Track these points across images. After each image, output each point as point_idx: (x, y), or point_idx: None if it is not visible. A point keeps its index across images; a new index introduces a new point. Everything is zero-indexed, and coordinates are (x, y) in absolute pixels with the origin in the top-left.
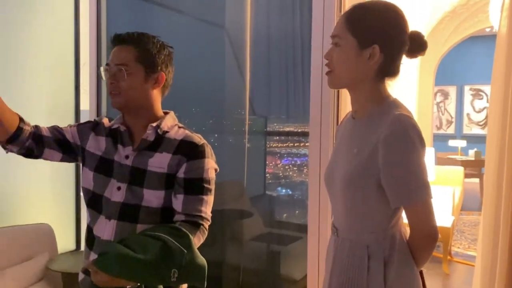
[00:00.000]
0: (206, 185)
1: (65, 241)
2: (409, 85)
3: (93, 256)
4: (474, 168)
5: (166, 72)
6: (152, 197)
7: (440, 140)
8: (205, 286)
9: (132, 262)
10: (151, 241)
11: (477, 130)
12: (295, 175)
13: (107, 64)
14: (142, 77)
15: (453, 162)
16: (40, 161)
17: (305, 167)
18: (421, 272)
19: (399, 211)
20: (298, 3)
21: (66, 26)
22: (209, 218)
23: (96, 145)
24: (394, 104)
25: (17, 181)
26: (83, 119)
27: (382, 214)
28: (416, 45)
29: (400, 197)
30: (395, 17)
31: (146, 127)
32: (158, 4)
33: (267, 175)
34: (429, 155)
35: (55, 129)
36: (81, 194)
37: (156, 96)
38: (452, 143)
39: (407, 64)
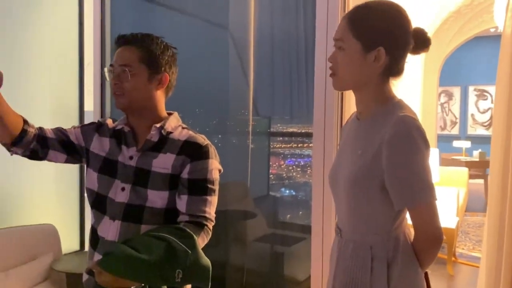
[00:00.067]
0: (210, 186)
1: (69, 242)
2: (413, 86)
3: (97, 256)
4: (478, 169)
5: (169, 73)
6: (156, 198)
7: (444, 141)
8: (209, 286)
9: (136, 263)
10: (155, 242)
11: (481, 131)
12: (298, 176)
13: (111, 65)
14: (146, 77)
15: (458, 163)
16: (44, 162)
17: (308, 168)
18: (426, 274)
19: (403, 212)
20: (301, 4)
21: (70, 27)
22: (213, 219)
23: (100, 146)
24: (399, 105)
25: (22, 182)
26: (87, 120)
27: (386, 215)
28: (420, 42)
29: (404, 199)
30: (399, 17)
31: (150, 128)
32: (162, 5)
33: (271, 175)
34: (433, 156)
35: (59, 131)
36: (85, 195)
37: (160, 97)
38: (456, 144)
39: (411, 64)
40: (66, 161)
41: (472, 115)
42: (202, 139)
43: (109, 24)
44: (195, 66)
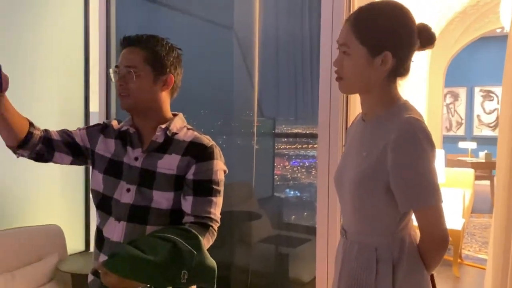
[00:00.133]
0: (215, 187)
1: (74, 242)
2: (419, 87)
3: (103, 257)
4: (484, 170)
5: (174, 74)
6: (162, 199)
7: (450, 142)
8: (214, 287)
9: (142, 264)
10: (160, 243)
11: (487, 132)
12: (303, 176)
13: (116, 66)
14: (151, 79)
15: (463, 164)
16: (49, 164)
17: (313, 169)
18: (432, 276)
19: (408, 214)
20: (307, 4)
21: (76, 28)
22: (218, 220)
23: (105, 147)
24: (404, 107)
25: (27, 183)
26: (92, 121)
27: (391, 217)
28: (425, 38)
29: (409, 201)
30: (403, 18)
31: (155, 129)
32: (167, 6)
33: (275, 176)
34: (439, 157)
35: (64, 133)
36: (90, 195)
37: (165, 98)
38: (462, 145)
39: (416, 65)
40: (72, 163)
41: (478, 116)
42: (207, 140)
43: (114, 26)
44: (200, 67)
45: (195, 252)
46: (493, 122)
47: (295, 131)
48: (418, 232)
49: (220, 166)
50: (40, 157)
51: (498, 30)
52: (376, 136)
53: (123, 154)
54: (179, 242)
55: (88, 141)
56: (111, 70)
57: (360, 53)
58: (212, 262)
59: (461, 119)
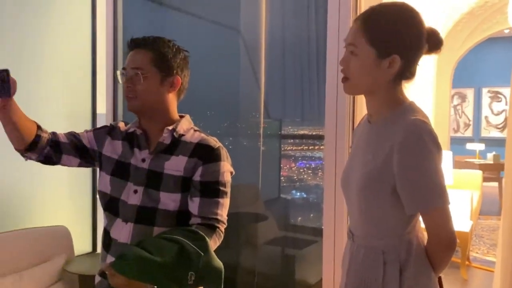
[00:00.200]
0: (222, 188)
1: (81, 243)
2: (426, 88)
3: (110, 259)
4: (492, 171)
5: (181, 76)
6: (169, 200)
7: (458, 143)
8: None
9: (149, 265)
10: (168, 244)
11: (495, 133)
12: (309, 178)
13: (123, 68)
14: (158, 80)
15: (471, 166)
16: (57, 166)
17: (319, 170)
18: (440, 279)
19: (415, 216)
20: (313, 6)
21: (83, 30)
22: (225, 221)
23: (113, 149)
24: (410, 108)
25: (35, 185)
26: (99, 123)
27: (397, 219)
28: (433, 43)
29: (416, 204)
30: (413, 22)
31: (162, 130)
32: (174, 8)
33: (282, 178)
34: (446, 158)
35: (72, 135)
36: (97, 196)
37: (172, 99)
38: (470, 146)
39: (423, 66)
40: (80, 165)
41: (486, 117)
42: (214, 141)
43: (121, 27)
44: (206, 69)
45: (202, 254)
46: (501, 123)
47: (302, 132)
48: (425, 234)
49: (227, 168)
50: (48, 159)
51: (506, 31)
52: (382, 138)
53: (130, 155)
54: (186, 243)
55: (95, 143)
56: (118, 72)
57: (368, 54)
58: (219, 263)
59: (469, 120)
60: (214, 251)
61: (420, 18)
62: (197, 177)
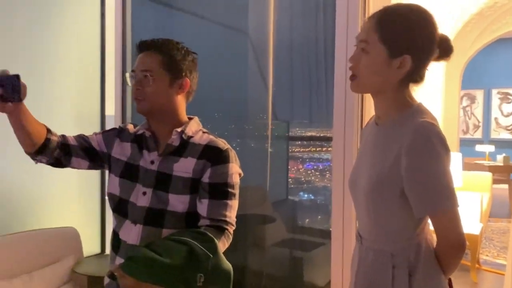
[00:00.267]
0: (230, 190)
1: (90, 245)
2: (435, 89)
3: (119, 260)
4: (502, 173)
5: (190, 78)
6: (177, 202)
7: (467, 145)
8: None
9: (158, 267)
10: (177, 246)
11: (505, 135)
12: (317, 180)
13: (132, 70)
14: (167, 82)
15: (481, 168)
16: (66, 168)
17: (327, 172)
18: (450, 281)
19: (424, 218)
20: (321, 7)
21: (92, 33)
22: (234, 223)
23: (122, 151)
24: (419, 110)
25: (44, 186)
26: (108, 124)
27: (406, 222)
28: (443, 49)
29: (424, 206)
30: (428, 25)
31: (171, 132)
32: (182, 10)
33: (290, 180)
34: (456, 160)
35: (81, 138)
36: (106, 198)
37: (181, 101)
38: (479, 148)
39: (432, 67)
40: (89, 168)
41: (496, 118)
42: (222, 143)
43: (130, 30)
44: (214, 71)
45: (211, 255)
46: (511, 124)
47: (309, 134)
48: (434, 236)
49: (235, 169)
50: (58, 162)
51: None
52: (390, 139)
53: (139, 157)
54: (195, 245)
55: (104, 145)
56: (127, 74)
57: (380, 52)
58: (228, 265)
59: (478, 121)
60: (223, 253)
61: (433, 21)
62: (205, 178)
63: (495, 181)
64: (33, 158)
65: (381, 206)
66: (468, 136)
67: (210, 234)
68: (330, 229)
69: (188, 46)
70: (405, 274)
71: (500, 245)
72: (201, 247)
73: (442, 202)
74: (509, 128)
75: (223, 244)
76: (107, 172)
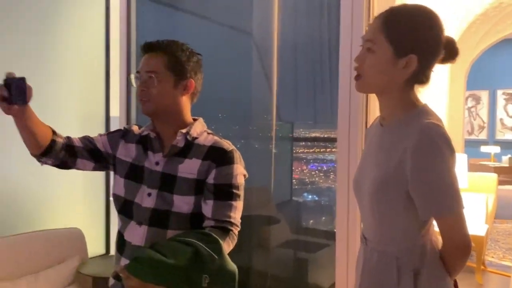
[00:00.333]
0: (235, 191)
1: (95, 246)
2: (440, 90)
3: (124, 261)
4: (508, 174)
5: (195, 79)
6: (182, 203)
7: (472, 146)
8: None
9: (163, 268)
10: (182, 247)
11: (510, 136)
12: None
13: (137, 72)
14: (172, 84)
15: (486, 169)
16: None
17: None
18: (455, 282)
19: (429, 220)
20: (325, 7)
21: (97, 34)
22: (239, 224)
23: (126, 152)
24: (424, 111)
25: (49, 187)
26: (113, 125)
27: (410, 223)
28: (449, 51)
29: (430, 209)
30: (434, 25)
31: (175, 133)
32: (187, 11)
33: (294, 180)
34: (461, 162)
35: (86, 139)
36: (111, 199)
37: (185, 102)
38: (484, 149)
39: (437, 68)
40: (94, 169)
41: (501, 119)
42: (227, 144)
43: (134, 31)
44: (218, 72)
45: (216, 256)
46: None
47: (313, 135)
48: (439, 237)
49: (240, 171)
50: (63, 164)
51: None
52: (395, 140)
53: (144, 158)
54: (200, 246)
55: (109, 147)
56: (132, 76)
57: (386, 51)
58: (233, 266)
59: (483, 122)
60: (228, 254)
61: (440, 22)
62: (210, 179)
63: (501, 182)
64: (38, 160)
65: (386, 207)
66: (473, 137)
67: (214, 235)
68: (334, 230)
69: (192, 46)
70: (411, 275)
71: (505, 247)
72: (206, 248)
73: (448, 204)
74: None
75: (227, 245)
76: (111, 173)
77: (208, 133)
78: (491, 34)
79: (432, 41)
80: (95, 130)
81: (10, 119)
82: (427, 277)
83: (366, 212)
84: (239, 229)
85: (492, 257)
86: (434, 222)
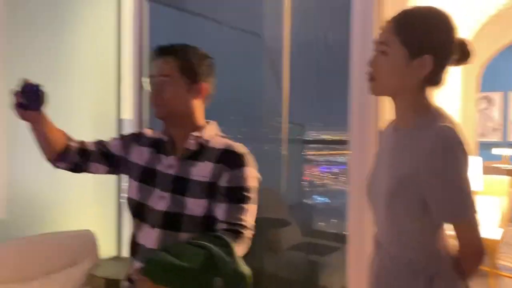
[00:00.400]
0: (247, 194)
1: (106, 248)
2: (452, 92)
3: (137, 264)
4: None
5: (207, 82)
6: (195, 206)
7: (484, 148)
8: None
9: (177, 271)
10: (194, 249)
11: None
12: (332, 183)
13: (150, 75)
14: (185, 88)
15: (499, 171)
16: None
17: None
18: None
19: (443, 224)
20: (336, 9)
21: (109, 37)
22: (251, 227)
23: (139, 155)
24: (438, 114)
25: (61, 189)
26: (125, 128)
27: (425, 228)
28: (462, 53)
29: (445, 214)
30: (446, 26)
31: (188, 136)
32: (198, 14)
33: (304, 183)
34: (476, 164)
35: (99, 143)
36: (121, 200)
37: (198, 106)
38: (496, 151)
39: (450, 70)
40: (107, 173)
41: None
42: (240, 147)
43: (147, 34)
44: (230, 74)
45: (229, 259)
46: None
47: (324, 137)
48: (453, 242)
49: (253, 174)
50: (77, 168)
51: None
52: (409, 144)
53: (157, 161)
54: (212, 249)
55: (122, 150)
56: (145, 80)
57: (400, 53)
58: (245, 269)
59: (496, 124)
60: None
61: (452, 23)
62: (223, 182)
63: None
64: (53, 165)
65: (400, 212)
66: (485, 139)
67: (226, 238)
68: (344, 232)
69: (203, 49)
70: (426, 281)
71: None
72: (219, 251)
73: (463, 210)
74: None
75: (240, 248)
76: (123, 175)
77: (221, 136)
78: (504, 35)
79: (445, 42)
80: (107, 132)
81: (23, 123)
82: (443, 281)
83: (380, 217)
84: (253, 232)
85: (506, 261)
86: (447, 226)
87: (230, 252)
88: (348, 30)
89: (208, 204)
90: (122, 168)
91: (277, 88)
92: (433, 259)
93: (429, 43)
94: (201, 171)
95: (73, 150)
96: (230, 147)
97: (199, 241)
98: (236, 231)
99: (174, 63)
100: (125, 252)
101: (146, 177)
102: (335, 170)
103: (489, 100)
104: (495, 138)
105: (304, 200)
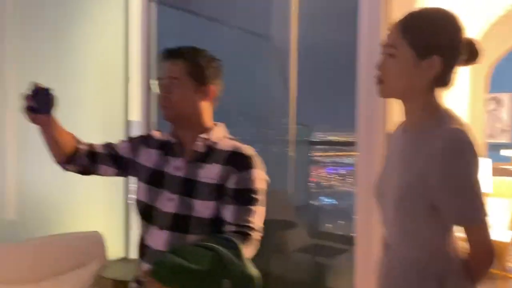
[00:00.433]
0: (255, 196)
1: (114, 249)
2: (460, 93)
3: (145, 266)
4: None
5: (215, 84)
6: (203, 208)
7: (492, 149)
8: None
9: (185, 272)
10: (202, 251)
11: None
12: (339, 184)
13: (159, 78)
14: (192, 90)
15: (508, 173)
16: None
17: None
18: None
19: (452, 227)
20: (344, 11)
21: (117, 39)
22: (259, 229)
23: (148, 157)
24: (447, 116)
25: (69, 191)
26: (133, 130)
27: (434, 231)
28: (470, 53)
29: (456, 217)
30: (454, 27)
31: (196, 138)
32: (206, 16)
33: (311, 184)
34: (485, 166)
35: (108, 146)
36: (129, 202)
37: (206, 108)
38: (504, 152)
39: (458, 70)
40: (116, 175)
41: None
42: (247, 149)
43: (155, 36)
44: (238, 76)
45: (237, 261)
46: None
47: (331, 138)
48: (462, 245)
49: (261, 176)
50: (86, 170)
51: None
52: (419, 146)
53: (165, 164)
54: (220, 250)
55: (131, 153)
56: (153, 82)
57: (408, 55)
58: (254, 271)
59: (505, 125)
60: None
61: (460, 23)
62: (231, 184)
63: None
64: (62, 167)
65: (410, 214)
66: (493, 140)
67: (235, 240)
68: (352, 234)
69: (211, 51)
70: (435, 283)
71: None
72: (228, 253)
73: (474, 214)
74: None
75: (248, 250)
76: (131, 177)
77: (229, 138)
78: None
79: (453, 42)
80: (115, 134)
81: (33, 126)
82: (452, 284)
83: (389, 219)
84: (261, 234)
85: None
86: (456, 228)
87: (238, 254)
88: (356, 32)
89: (216, 206)
90: (131, 170)
91: (285, 89)
92: (442, 261)
93: (436, 44)
94: (209, 173)
95: (82, 153)
96: (238, 149)
97: (207, 243)
98: (244, 233)
99: (182, 66)
100: (133, 253)
101: (155, 179)
102: (342, 171)
103: (497, 101)
104: (503, 139)
105: (311, 202)
